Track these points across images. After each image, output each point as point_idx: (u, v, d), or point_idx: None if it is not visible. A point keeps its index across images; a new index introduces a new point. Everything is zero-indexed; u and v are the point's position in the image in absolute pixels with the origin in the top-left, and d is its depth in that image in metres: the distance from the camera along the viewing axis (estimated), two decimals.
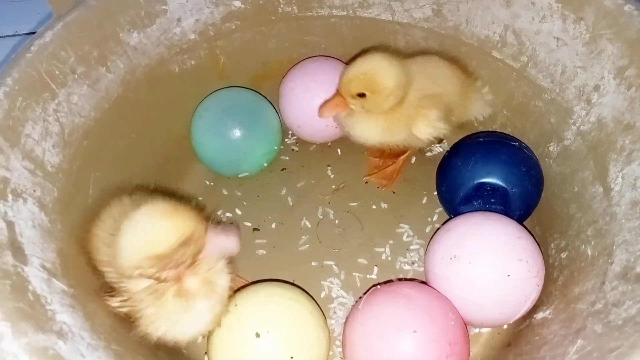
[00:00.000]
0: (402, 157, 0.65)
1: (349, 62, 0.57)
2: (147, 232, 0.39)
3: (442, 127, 0.55)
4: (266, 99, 0.68)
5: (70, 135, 0.52)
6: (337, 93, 0.56)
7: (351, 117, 0.57)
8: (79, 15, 0.53)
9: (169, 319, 0.43)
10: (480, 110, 0.61)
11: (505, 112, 0.63)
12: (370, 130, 0.57)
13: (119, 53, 0.57)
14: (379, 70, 0.53)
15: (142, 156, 0.62)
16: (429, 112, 0.55)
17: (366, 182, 0.66)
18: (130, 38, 0.58)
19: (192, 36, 0.63)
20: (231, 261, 0.47)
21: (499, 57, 0.61)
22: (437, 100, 0.56)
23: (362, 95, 0.53)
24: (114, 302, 0.44)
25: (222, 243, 0.43)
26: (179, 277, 0.42)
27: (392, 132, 0.56)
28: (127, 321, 0.45)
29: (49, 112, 0.50)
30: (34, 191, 0.46)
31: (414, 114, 0.55)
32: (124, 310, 0.44)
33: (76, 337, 0.39)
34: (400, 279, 0.57)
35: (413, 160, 0.67)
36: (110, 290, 0.45)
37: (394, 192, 0.65)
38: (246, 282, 0.53)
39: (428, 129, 0.55)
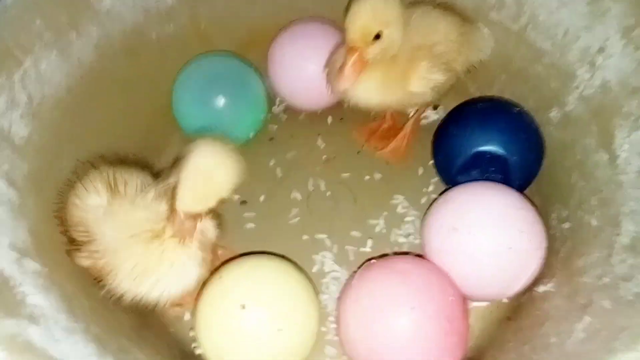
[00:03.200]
0: (408, 123, 0.62)
1: (345, 10, 0.51)
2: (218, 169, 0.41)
3: (436, 77, 0.53)
4: (252, 65, 0.65)
5: (39, 105, 0.49)
6: (350, 49, 0.50)
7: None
8: None
9: (156, 271, 0.42)
10: (483, 52, 0.58)
11: (503, 77, 0.61)
12: (369, 90, 0.53)
13: (90, 18, 0.54)
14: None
15: (121, 128, 0.59)
16: (420, 63, 0.52)
17: (358, 152, 0.63)
18: (102, 2, 0.54)
19: (170, 1, 0.60)
20: (219, 233, 0.46)
21: (496, 19, 0.58)
22: (428, 51, 0.53)
23: (377, 37, 0.49)
24: (82, 256, 0.43)
25: None
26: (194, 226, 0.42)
27: (390, 90, 0.54)
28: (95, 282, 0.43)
29: (14, 81, 0.47)
30: (1, 166, 0.44)
31: (407, 68, 0.53)
32: (93, 265, 0.43)
33: (50, 320, 0.37)
34: (395, 253, 0.55)
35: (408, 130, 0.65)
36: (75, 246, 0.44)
37: (387, 162, 0.62)
38: (233, 254, 0.51)
39: (421, 81, 0.53)
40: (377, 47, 0.50)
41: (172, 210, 0.42)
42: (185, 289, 0.44)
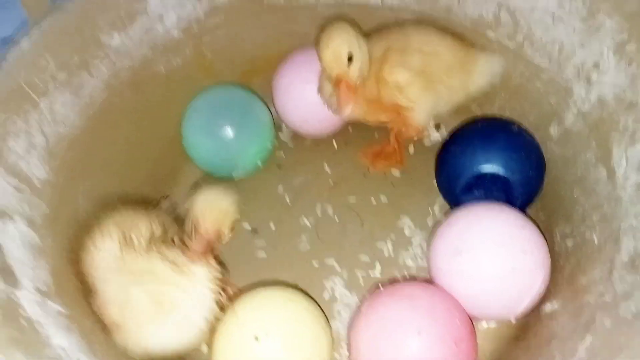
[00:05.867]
0: (391, 134, 0.63)
1: (315, 45, 0.57)
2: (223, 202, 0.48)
3: (400, 69, 0.56)
4: (257, 95, 0.66)
5: (55, 146, 0.51)
6: (336, 80, 0.54)
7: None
8: (55, 20, 0.51)
9: (139, 321, 0.43)
10: (487, 79, 0.59)
11: (503, 95, 0.61)
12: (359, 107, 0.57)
13: (100, 57, 0.55)
14: (338, 26, 0.54)
15: (133, 162, 0.61)
16: (390, 58, 0.56)
17: (364, 175, 0.64)
18: (111, 40, 0.56)
19: (176, 34, 0.61)
20: (224, 267, 0.48)
21: (493, 37, 0.59)
22: (398, 50, 0.56)
23: (350, 59, 0.53)
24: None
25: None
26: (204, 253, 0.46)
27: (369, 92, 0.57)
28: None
29: (31, 124, 0.49)
30: (21, 208, 0.45)
31: (380, 66, 0.56)
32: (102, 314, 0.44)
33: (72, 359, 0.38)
34: (404, 277, 0.56)
35: (411, 150, 0.66)
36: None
37: (393, 184, 0.63)
38: (237, 290, 0.52)
39: (393, 70, 0.56)
40: (355, 67, 0.54)
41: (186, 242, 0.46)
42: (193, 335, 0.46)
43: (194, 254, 0.45)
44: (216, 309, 0.46)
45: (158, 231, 0.47)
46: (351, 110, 0.56)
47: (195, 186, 0.50)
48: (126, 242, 0.45)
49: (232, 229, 0.49)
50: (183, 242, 0.46)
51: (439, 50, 0.57)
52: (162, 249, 0.45)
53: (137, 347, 0.45)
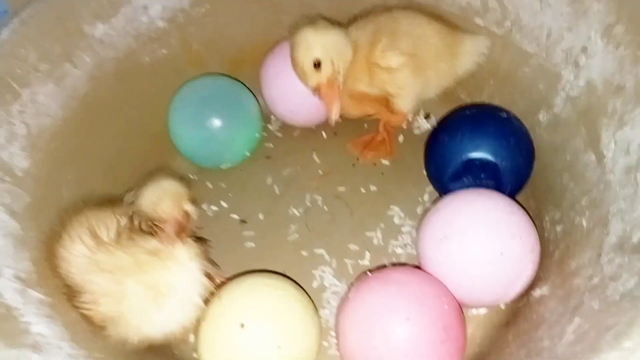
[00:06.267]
0: (380, 124, 0.63)
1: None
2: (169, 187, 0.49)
3: (391, 53, 0.55)
4: (244, 85, 0.65)
5: (38, 137, 0.51)
6: (316, 88, 0.56)
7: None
8: (36, 9, 0.51)
9: (138, 311, 0.43)
10: (474, 60, 0.59)
11: (492, 82, 0.61)
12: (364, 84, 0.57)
13: (83, 47, 0.55)
14: (299, 38, 0.55)
15: (119, 154, 0.60)
16: (379, 42, 0.56)
17: (353, 165, 0.64)
18: (94, 30, 0.55)
19: (161, 24, 0.61)
20: (209, 259, 0.48)
21: (482, 24, 0.59)
22: (387, 35, 0.56)
23: (318, 64, 0.54)
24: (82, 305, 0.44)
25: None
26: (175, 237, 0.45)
27: (358, 80, 0.57)
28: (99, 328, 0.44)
29: (13, 114, 0.48)
30: (3, 198, 0.45)
31: (370, 51, 0.56)
32: (91, 312, 0.44)
33: (54, 348, 0.38)
34: (393, 264, 0.55)
35: (401, 139, 0.65)
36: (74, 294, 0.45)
37: (382, 174, 0.63)
38: (224, 279, 0.52)
39: (386, 54, 0.55)
40: (326, 69, 0.54)
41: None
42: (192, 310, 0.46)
43: (168, 238, 0.45)
44: (207, 282, 0.47)
45: (123, 222, 0.47)
46: (338, 112, 0.56)
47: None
48: (96, 240, 0.45)
49: (194, 205, 0.49)
50: (155, 229, 0.46)
51: (427, 33, 0.57)
52: (136, 239, 0.45)
53: (138, 336, 0.44)
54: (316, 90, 0.56)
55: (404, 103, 0.58)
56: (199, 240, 0.50)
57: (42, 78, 0.51)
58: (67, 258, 0.44)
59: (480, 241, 0.45)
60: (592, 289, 0.39)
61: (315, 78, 0.55)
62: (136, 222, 0.46)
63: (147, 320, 0.44)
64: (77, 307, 0.44)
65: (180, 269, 0.45)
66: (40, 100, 0.51)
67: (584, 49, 0.49)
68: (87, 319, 0.44)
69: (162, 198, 0.47)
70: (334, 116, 0.56)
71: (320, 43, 0.54)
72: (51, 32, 0.51)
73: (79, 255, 0.44)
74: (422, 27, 0.57)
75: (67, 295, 0.45)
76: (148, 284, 0.44)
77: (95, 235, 0.45)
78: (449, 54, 0.58)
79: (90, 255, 0.44)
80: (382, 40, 0.56)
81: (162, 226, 0.45)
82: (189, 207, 0.48)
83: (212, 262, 0.51)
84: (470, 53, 0.58)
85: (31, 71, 0.50)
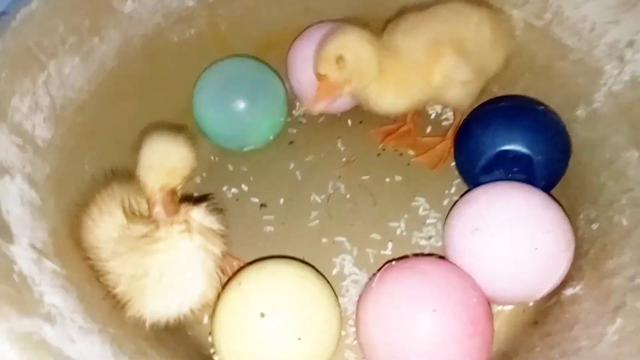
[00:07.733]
0: (449, 131, 0.61)
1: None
2: (168, 149, 0.43)
3: (462, 70, 0.53)
4: (271, 68, 0.64)
5: (62, 109, 0.50)
6: (319, 76, 0.53)
7: (371, 90, 0.55)
8: None
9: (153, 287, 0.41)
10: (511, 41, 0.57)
11: (527, 75, 0.59)
12: (387, 98, 0.55)
13: (112, 23, 0.54)
14: (343, 29, 0.52)
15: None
16: (442, 58, 0.53)
17: (378, 155, 0.62)
18: (124, 6, 0.55)
19: (191, 3, 0.60)
20: (227, 241, 0.45)
21: (519, 16, 0.57)
22: (456, 47, 0.53)
23: (339, 61, 0.51)
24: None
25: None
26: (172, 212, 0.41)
27: (413, 92, 0.54)
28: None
29: (38, 85, 0.48)
30: (23, 167, 0.44)
31: (428, 65, 0.53)
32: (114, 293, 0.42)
33: (66, 320, 0.37)
34: (416, 255, 0.54)
35: (428, 129, 0.64)
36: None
37: (408, 164, 0.61)
38: (241, 263, 0.50)
39: (446, 75, 0.53)
40: (341, 73, 0.52)
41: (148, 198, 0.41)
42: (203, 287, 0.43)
43: (161, 221, 0.41)
44: (215, 255, 0.43)
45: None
46: (322, 108, 0.54)
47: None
48: (127, 214, 0.43)
49: (187, 179, 0.44)
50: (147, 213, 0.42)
51: (482, 28, 0.55)
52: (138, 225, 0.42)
53: (154, 315, 0.43)
54: (319, 78, 0.54)
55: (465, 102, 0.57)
56: (193, 202, 0.45)
57: (69, 51, 0.50)
58: (95, 231, 0.43)
59: (513, 235, 0.43)
60: (634, 290, 0.37)
61: (327, 69, 0.52)
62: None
63: (162, 299, 0.42)
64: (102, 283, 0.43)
65: (179, 252, 0.42)
66: (67, 73, 0.50)
67: (631, 43, 0.47)
68: (112, 296, 0.43)
69: (148, 170, 0.41)
70: (314, 109, 0.54)
71: (355, 50, 0.52)
72: (81, 5, 0.51)
73: (108, 228, 0.43)
74: (474, 22, 0.54)
75: (91, 269, 0.44)
76: (164, 263, 0.42)
77: (126, 210, 0.43)
78: (501, 41, 0.56)
79: (118, 230, 0.43)
80: (447, 53, 0.53)
81: (150, 205, 0.41)
82: (177, 184, 0.42)
83: (225, 237, 0.47)
84: (510, 32, 0.57)
85: (59, 43, 0.49)
